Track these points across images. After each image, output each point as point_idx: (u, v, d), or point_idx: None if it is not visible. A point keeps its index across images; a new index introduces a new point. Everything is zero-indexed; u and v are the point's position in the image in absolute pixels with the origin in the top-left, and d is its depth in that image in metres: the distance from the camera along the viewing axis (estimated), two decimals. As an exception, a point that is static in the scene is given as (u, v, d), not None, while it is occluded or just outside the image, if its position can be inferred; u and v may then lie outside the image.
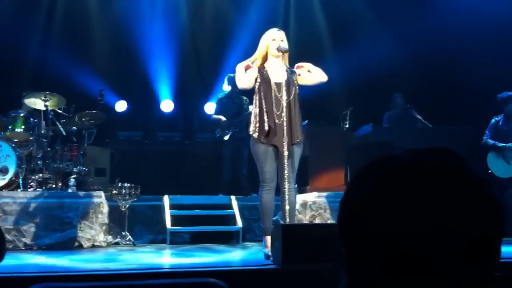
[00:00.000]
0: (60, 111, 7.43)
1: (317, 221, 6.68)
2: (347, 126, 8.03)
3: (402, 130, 8.16)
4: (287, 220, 4.55)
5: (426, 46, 9.07)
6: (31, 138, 7.03)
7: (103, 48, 9.81)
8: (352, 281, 0.81)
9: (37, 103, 7.12)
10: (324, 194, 6.87)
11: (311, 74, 4.87)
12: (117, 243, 6.49)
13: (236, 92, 8.22)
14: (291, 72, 4.81)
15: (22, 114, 7.18)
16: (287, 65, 4.84)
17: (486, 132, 7.25)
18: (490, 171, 7.05)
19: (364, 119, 8.17)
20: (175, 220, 6.98)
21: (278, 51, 4.72)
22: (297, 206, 6.21)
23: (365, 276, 0.79)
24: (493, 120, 7.26)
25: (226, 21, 10.33)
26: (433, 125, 8.15)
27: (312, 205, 6.80)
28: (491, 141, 7.14)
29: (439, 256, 0.73)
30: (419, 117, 8.20)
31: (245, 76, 4.80)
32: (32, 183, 6.66)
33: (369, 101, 9.03)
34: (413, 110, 8.34)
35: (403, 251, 0.74)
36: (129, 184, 6.65)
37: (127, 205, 6.60)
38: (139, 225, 6.95)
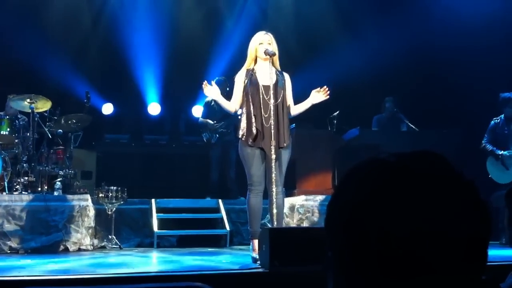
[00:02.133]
0: (46, 114, 7.37)
1: (305, 224, 6.68)
2: (334, 129, 8.05)
3: (390, 133, 8.20)
4: (275, 223, 4.55)
5: (414, 49, 9.11)
6: (16, 140, 6.97)
7: (90, 50, 9.77)
8: (337, 284, 0.81)
9: (22, 105, 7.06)
10: (312, 197, 6.87)
11: (303, 108, 4.90)
12: (103, 247, 6.45)
13: (224, 95, 8.20)
14: (280, 75, 4.82)
15: (7, 117, 7.12)
16: (277, 67, 4.84)
17: (485, 135, 7.08)
18: (490, 176, 6.93)
19: (351, 122, 8.18)
20: (162, 223, 6.95)
21: (265, 55, 4.72)
22: (285, 210, 6.21)
23: (348, 277, 0.78)
24: (492, 123, 7.07)
25: (214, 24, 10.32)
26: (420, 128, 8.18)
27: (300, 209, 6.80)
28: (490, 147, 6.99)
29: (429, 258, 0.73)
30: (406, 121, 8.25)
31: (228, 104, 4.88)
32: (17, 186, 6.60)
33: (356, 105, 9.05)
34: (401, 114, 8.39)
35: (394, 253, 0.73)
36: (115, 187, 6.61)
37: (114, 209, 6.56)
38: (126, 229, 6.92)
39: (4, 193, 6.45)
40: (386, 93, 8.83)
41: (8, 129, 7.01)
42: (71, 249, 6.09)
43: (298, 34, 9.75)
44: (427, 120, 8.52)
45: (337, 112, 8.04)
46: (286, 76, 4.92)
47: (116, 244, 6.43)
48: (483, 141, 7.08)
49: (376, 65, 9.63)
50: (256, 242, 4.47)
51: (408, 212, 0.74)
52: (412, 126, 8.18)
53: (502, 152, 6.89)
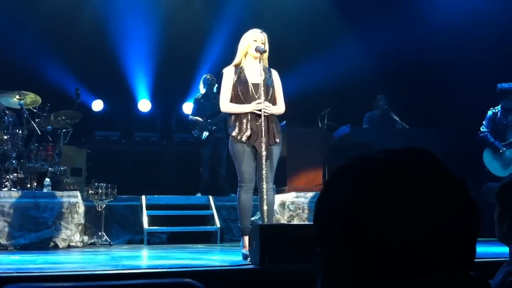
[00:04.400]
0: (35, 110, 7.33)
1: (295, 221, 6.69)
2: (325, 127, 8.06)
3: (380, 131, 8.22)
4: (265, 220, 4.55)
5: (406, 47, 9.13)
6: (5, 137, 6.92)
7: (79, 46, 9.71)
8: (325, 281, 0.80)
9: (11, 101, 7.01)
10: (302, 194, 6.89)
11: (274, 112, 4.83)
12: (93, 244, 6.43)
13: (213, 92, 8.21)
14: (268, 72, 4.82)
15: (-5, 114, 7.08)
16: (265, 64, 4.84)
17: (484, 124, 6.93)
18: (486, 169, 6.85)
19: (342, 119, 8.20)
20: (153, 220, 6.94)
21: (256, 52, 4.72)
22: (275, 206, 6.22)
23: (338, 276, 0.78)
24: (490, 112, 6.93)
25: (204, 21, 10.30)
26: (411, 126, 8.21)
27: (290, 205, 6.81)
28: (491, 138, 6.85)
29: (427, 257, 0.73)
30: (397, 118, 8.27)
31: (235, 108, 4.74)
32: (6, 183, 6.56)
33: (347, 102, 9.07)
34: (392, 112, 8.41)
35: (393, 253, 0.73)
36: (105, 184, 6.59)
37: (104, 205, 6.54)
38: (116, 225, 6.90)
39: (-7, 190, 6.42)
40: (377, 91, 8.85)
41: (-3, 126, 6.98)
42: (60, 246, 6.06)
43: (290, 32, 9.75)
44: (418, 118, 8.55)
45: (328, 109, 8.06)
46: (275, 73, 4.90)
47: (106, 241, 6.42)
48: (482, 129, 6.93)
49: (368, 63, 9.65)
50: (246, 238, 4.47)
51: (405, 212, 0.74)
52: (403, 124, 8.21)
53: (504, 148, 6.78)
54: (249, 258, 4.15)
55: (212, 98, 8.20)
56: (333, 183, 0.83)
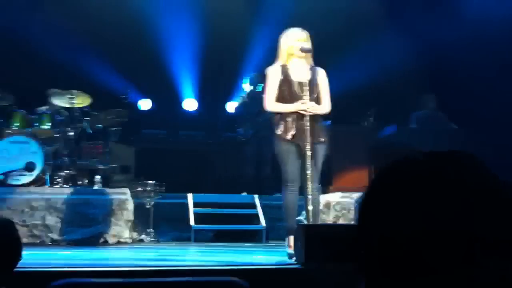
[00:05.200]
0: (85, 109, 7.52)
1: (341, 221, 6.64)
2: (371, 126, 7.97)
3: (428, 131, 8.01)
4: (311, 220, 4.55)
5: (454, 44, 8.90)
6: (57, 135, 7.14)
7: (128, 46, 9.88)
8: (367, 283, 0.81)
9: (63, 101, 7.23)
10: (348, 194, 6.83)
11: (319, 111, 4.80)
12: (141, 240, 6.56)
13: (258, 91, 8.24)
14: (314, 71, 4.80)
15: (48, 112, 7.30)
16: (311, 63, 4.82)
17: None
18: None
19: (388, 118, 8.09)
20: (199, 218, 7.02)
21: (302, 52, 4.71)
22: (321, 207, 6.19)
23: (378, 279, 0.79)
24: None
25: (249, 19, 10.32)
26: (460, 127, 7.98)
27: (336, 206, 6.77)
28: None
29: (422, 256, 0.74)
30: (447, 119, 8.07)
31: (279, 107, 4.76)
32: (58, 180, 6.76)
33: (393, 101, 8.94)
34: (440, 112, 8.21)
35: (410, 255, 0.74)
36: (153, 182, 6.71)
37: (152, 203, 6.65)
38: (163, 223, 7.01)
39: (46, 186, 6.62)
40: (425, 90, 8.68)
41: (49, 124, 7.20)
42: (110, 242, 6.20)
43: (334, 29, 9.68)
44: (467, 119, 8.33)
45: (374, 108, 7.97)
46: (321, 71, 4.87)
47: (154, 237, 6.53)
48: None
49: (416, 61, 9.47)
50: (291, 238, 4.48)
51: (431, 216, 0.74)
52: (452, 124, 8.00)
53: None
54: (294, 258, 4.17)
55: (257, 97, 8.23)
56: (373, 186, 0.83)
